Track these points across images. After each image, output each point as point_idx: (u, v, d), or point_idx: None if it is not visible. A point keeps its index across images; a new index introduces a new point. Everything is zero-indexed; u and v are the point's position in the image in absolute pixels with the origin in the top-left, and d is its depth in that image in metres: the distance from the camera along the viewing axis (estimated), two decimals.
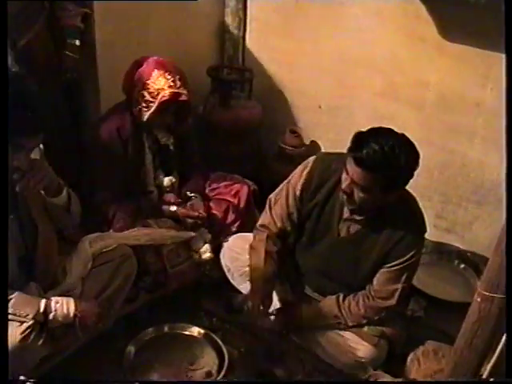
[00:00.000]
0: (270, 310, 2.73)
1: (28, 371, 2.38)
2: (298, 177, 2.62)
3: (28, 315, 2.29)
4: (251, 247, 2.72)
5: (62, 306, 2.37)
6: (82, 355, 2.63)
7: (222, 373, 2.63)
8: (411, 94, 3.44)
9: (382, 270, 2.53)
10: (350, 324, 2.63)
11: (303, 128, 3.97)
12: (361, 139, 2.28)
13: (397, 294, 2.53)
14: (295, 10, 3.74)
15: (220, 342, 2.77)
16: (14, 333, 2.26)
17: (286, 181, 2.69)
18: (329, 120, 3.85)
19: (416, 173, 2.31)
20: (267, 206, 2.74)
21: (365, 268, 2.56)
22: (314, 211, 2.60)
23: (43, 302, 2.34)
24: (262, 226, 2.73)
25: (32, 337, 2.29)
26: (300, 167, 2.64)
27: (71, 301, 2.40)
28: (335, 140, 3.81)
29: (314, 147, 3.98)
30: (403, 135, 2.32)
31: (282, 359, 2.75)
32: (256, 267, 2.64)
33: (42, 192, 2.40)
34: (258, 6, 3.92)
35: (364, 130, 2.33)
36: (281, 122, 4.07)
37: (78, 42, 3.06)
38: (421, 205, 2.55)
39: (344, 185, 2.35)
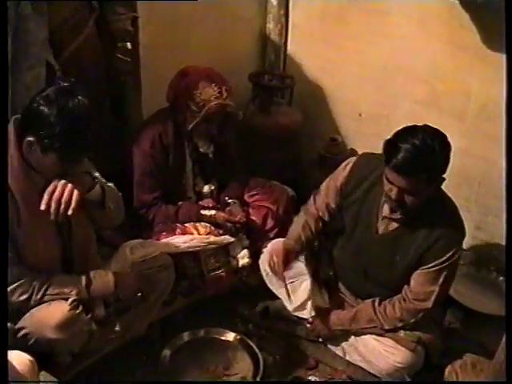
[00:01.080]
0: (307, 317, 2.75)
1: (76, 347, 2.44)
2: (340, 171, 2.69)
3: (71, 291, 2.35)
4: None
5: (102, 277, 2.43)
6: (118, 357, 2.67)
7: (257, 379, 2.63)
8: (453, 103, 3.40)
9: (419, 271, 2.52)
10: (386, 327, 2.62)
11: (343, 136, 3.96)
12: (391, 146, 2.31)
13: (433, 297, 2.51)
14: (338, 17, 3.73)
15: (255, 348, 2.78)
16: (63, 305, 2.31)
17: (328, 180, 2.76)
18: (369, 128, 3.82)
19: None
20: (311, 197, 2.82)
21: (401, 267, 2.55)
22: (352, 207, 2.63)
23: (83, 276, 2.40)
24: (304, 211, 2.83)
25: (79, 309, 2.33)
26: (343, 163, 2.71)
27: (110, 272, 2.45)
28: (374, 148, 3.73)
29: (353, 155, 3.95)
30: (426, 125, 2.35)
31: (316, 367, 2.75)
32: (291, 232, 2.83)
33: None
34: (300, 13, 3.92)
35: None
36: (321, 130, 4.06)
37: (129, 45, 3.09)
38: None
39: (393, 194, 2.36)
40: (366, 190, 2.58)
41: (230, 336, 2.87)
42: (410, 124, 3.43)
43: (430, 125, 2.36)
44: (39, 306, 2.32)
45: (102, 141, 2.43)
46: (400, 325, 2.61)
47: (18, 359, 2.04)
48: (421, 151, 2.24)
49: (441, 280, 2.49)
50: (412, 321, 2.59)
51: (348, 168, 2.65)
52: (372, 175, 2.57)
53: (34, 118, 2.14)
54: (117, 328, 2.50)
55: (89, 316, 2.39)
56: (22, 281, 2.28)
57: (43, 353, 2.31)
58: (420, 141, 2.25)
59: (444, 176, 2.39)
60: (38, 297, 2.31)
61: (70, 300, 2.33)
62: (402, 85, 3.56)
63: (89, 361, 2.58)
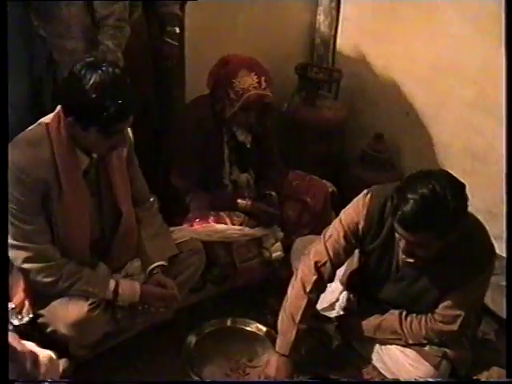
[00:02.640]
0: (333, 316, 2.71)
1: (90, 345, 2.46)
2: (355, 216, 2.46)
3: (97, 293, 2.37)
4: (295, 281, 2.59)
5: (130, 287, 2.44)
6: (143, 340, 2.68)
7: None
8: (501, 106, 3.29)
9: (445, 297, 2.43)
10: (410, 342, 2.56)
11: (388, 134, 3.88)
12: (399, 196, 2.12)
13: (459, 320, 2.43)
14: (389, 12, 3.67)
15: None
16: (82, 304, 2.34)
17: (338, 218, 2.54)
18: (415, 128, 3.76)
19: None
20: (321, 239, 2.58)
21: (429, 299, 2.47)
22: (375, 252, 2.50)
23: (112, 282, 2.41)
24: (313, 256, 2.57)
25: (98, 310, 2.36)
26: (355, 206, 2.48)
27: (137, 284, 2.46)
28: (419, 148, 3.72)
29: (397, 154, 3.91)
30: (441, 171, 2.21)
31: (341, 367, 2.71)
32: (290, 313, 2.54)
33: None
34: (352, 6, 3.88)
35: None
36: (366, 126, 4.01)
37: (177, 30, 3.10)
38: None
39: (402, 246, 2.23)
40: (386, 235, 2.41)
41: (257, 328, 2.86)
42: (458, 126, 3.44)
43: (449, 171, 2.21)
44: (60, 299, 2.35)
45: (140, 124, 2.46)
46: (424, 342, 2.54)
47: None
48: (430, 203, 2.05)
49: (467, 304, 2.41)
50: (436, 340, 2.53)
51: (364, 214, 2.43)
52: (390, 218, 2.34)
53: (67, 97, 2.19)
54: (140, 308, 2.50)
55: (107, 317, 2.42)
56: (52, 263, 2.32)
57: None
58: (430, 191, 2.05)
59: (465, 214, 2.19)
60: (65, 285, 2.33)
61: (90, 301, 2.35)
62: (451, 85, 3.48)
63: (114, 341, 2.59)
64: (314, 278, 2.51)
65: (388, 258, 2.49)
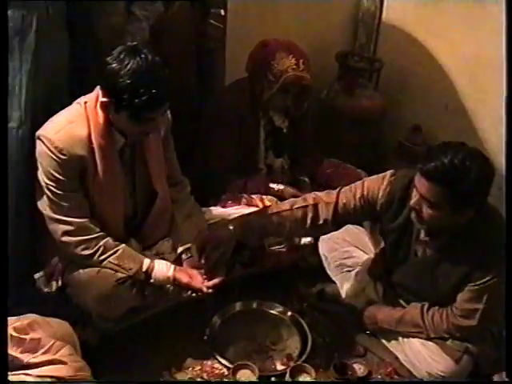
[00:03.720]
0: (358, 307, 2.73)
1: (115, 318, 2.51)
2: (376, 187, 2.49)
3: (131, 269, 2.42)
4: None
5: (164, 269, 2.47)
6: (170, 316, 2.72)
7: (303, 358, 2.63)
8: None
9: (464, 288, 2.42)
10: (432, 336, 2.55)
11: (426, 126, 3.85)
12: (430, 153, 2.20)
13: (478, 315, 2.42)
14: (434, 4, 3.62)
15: (306, 328, 2.77)
16: (109, 278, 2.39)
17: (360, 182, 2.57)
18: (453, 121, 3.71)
19: None
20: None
21: (445, 288, 2.47)
22: (394, 233, 2.52)
23: (147, 261, 2.45)
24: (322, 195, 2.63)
25: (125, 285, 2.42)
26: (378, 180, 2.51)
27: (171, 270, 2.48)
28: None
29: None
30: (477, 149, 2.21)
31: (364, 355, 2.73)
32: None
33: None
34: None
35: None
36: (404, 117, 3.98)
37: (222, 12, 3.11)
38: None
39: (413, 201, 2.26)
40: (407, 215, 2.42)
41: (283, 312, 2.88)
42: (496, 122, 3.39)
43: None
44: (89, 271, 2.40)
45: (177, 108, 2.48)
46: (446, 336, 2.54)
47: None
48: (455, 170, 2.12)
49: (485, 298, 2.39)
50: (457, 335, 2.52)
51: (386, 192, 2.46)
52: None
53: (104, 79, 2.22)
54: (171, 288, 2.54)
55: (134, 293, 2.45)
56: (90, 236, 2.37)
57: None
58: (459, 161, 2.11)
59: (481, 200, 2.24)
60: (101, 258, 2.39)
61: (119, 276, 2.40)
62: (491, 79, 3.42)
63: (140, 316, 2.64)
64: (311, 211, 2.55)
65: (407, 240, 2.50)
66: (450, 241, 2.38)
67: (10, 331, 1.95)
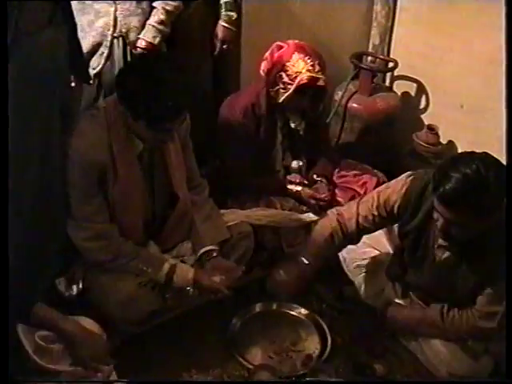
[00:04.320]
0: (378, 307, 2.75)
1: (136, 321, 2.52)
2: (393, 194, 2.50)
3: (152, 273, 2.44)
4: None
5: (184, 272, 2.49)
6: (189, 319, 2.73)
7: (323, 358, 2.63)
8: None
9: (484, 291, 2.41)
10: (452, 337, 2.55)
11: (442, 126, 3.85)
12: (441, 174, 2.12)
13: (498, 317, 2.39)
14: (447, 4, 3.61)
15: (326, 328, 2.77)
16: (130, 282, 2.42)
17: (376, 190, 2.62)
18: (469, 121, 3.71)
19: None
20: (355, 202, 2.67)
21: (464, 291, 2.46)
22: (411, 234, 2.51)
23: (167, 265, 2.47)
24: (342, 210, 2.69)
25: (146, 289, 2.45)
26: (394, 185, 2.52)
27: (192, 271, 2.50)
28: (473, 142, 3.66)
29: (450, 147, 3.87)
30: (486, 153, 2.16)
31: (383, 356, 2.72)
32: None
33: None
34: None
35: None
36: (419, 118, 3.99)
37: (235, 15, 3.13)
38: None
39: (439, 225, 2.22)
40: (423, 217, 2.41)
41: (302, 312, 2.88)
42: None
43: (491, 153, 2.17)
44: (110, 275, 2.41)
45: (196, 110, 2.49)
46: (465, 337, 2.53)
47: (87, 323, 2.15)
48: (472, 183, 2.04)
49: (505, 301, 2.35)
50: (477, 337, 2.51)
51: (402, 193, 2.46)
52: (428, 201, 2.36)
53: (121, 88, 2.22)
54: (191, 291, 2.55)
55: (155, 296, 2.48)
56: (110, 240, 2.39)
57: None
58: (473, 172, 2.04)
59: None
60: (122, 262, 2.40)
61: (140, 279, 2.43)
62: (508, 79, 3.43)
63: (161, 318, 2.65)
64: (335, 225, 2.61)
65: (424, 241, 2.49)
66: (468, 244, 2.34)
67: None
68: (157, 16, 2.75)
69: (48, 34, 2.04)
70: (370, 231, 2.67)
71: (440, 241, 2.40)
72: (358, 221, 2.58)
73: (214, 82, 3.37)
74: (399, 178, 2.54)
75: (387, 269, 2.81)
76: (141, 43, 2.73)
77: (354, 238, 2.66)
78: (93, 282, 2.46)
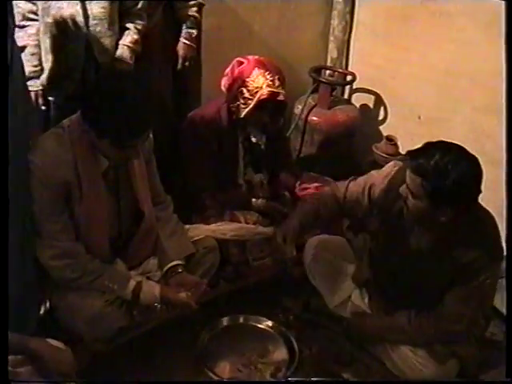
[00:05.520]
0: (345, 316, 2.77)
1: (105, 339, 2.51)
2: (378, 179, 2.61)
3: (118, 290, 2.43)
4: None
5: (150, 289, 2.48)
6: (157, 335, 2.72)
7: (291, 370, 2.64)
8: None
9: (451, 293, 2.45)
10: (419, 342, 2.58)
11: (400, 137, 3.93)
12: (422, 148, 2.27)
13: (466, 319, 2.46)
14: (403, 17, 3.71)
15: (293, 340, 2.78)
16: (97, 300, 2.40)
17: (367, 176, 2.73)
18: (427, 131, 3.77)
19: None
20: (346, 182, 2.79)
21: (433, 286, 2.49)
22: (389, 222, 2.57)
23: (133, 282, 2.46)
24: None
25: (113, 306, 2.43)
26: (384, 171, 2.63)
27: (158, 287, 2.50)
28: None
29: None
30: (464, 149, 2.26)
31: (351, 364, 2.75)
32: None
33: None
34: (366, 11, 3.93)
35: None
36: (378, 129, 4.06)
37: (195, 32, 3.16)
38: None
39: (401, 188, 2.34)
40: (400, 206, 2.47)
41: (269, 325, 2.89)
42: (469, 130, 3.46)
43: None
44: (76, 293, 2.40)
45: (158, 126, 2.50)
46: (433, 341, 2.57)
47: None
48: (437, 169, 2.16)
49: (473, 303, 2.43)
50: (445, 340, 2.55)
51: (387, 180, 2.56)
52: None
53: (84, 106, 2.22)
54: (159, 307, 2.55)
55: (122, 313, 2.47)
56: (76, 259, 2.37)
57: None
58: (444, 163, 2.16)
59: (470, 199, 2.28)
60: (88, 280, 2.39)
61: (107, 297, 2.42)
62: (463, 90, 3.51)
63: (129, 335, 2.63)
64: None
65: (400, 230, 2.54)
66: (443, 237, 2.40)
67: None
68: (130, 36, 2.77)
69: None
70: (348, 210, 2.77)
71: (415, 228, 2.47)
72: (345, 193, 2.72)
73: (176, 98, 3.37)
74: (387, 165, 2.67)
75: (354, 274, 2.85)
76: (121, 65, 2.75)
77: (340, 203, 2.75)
78: (60, 301, 2.44)
